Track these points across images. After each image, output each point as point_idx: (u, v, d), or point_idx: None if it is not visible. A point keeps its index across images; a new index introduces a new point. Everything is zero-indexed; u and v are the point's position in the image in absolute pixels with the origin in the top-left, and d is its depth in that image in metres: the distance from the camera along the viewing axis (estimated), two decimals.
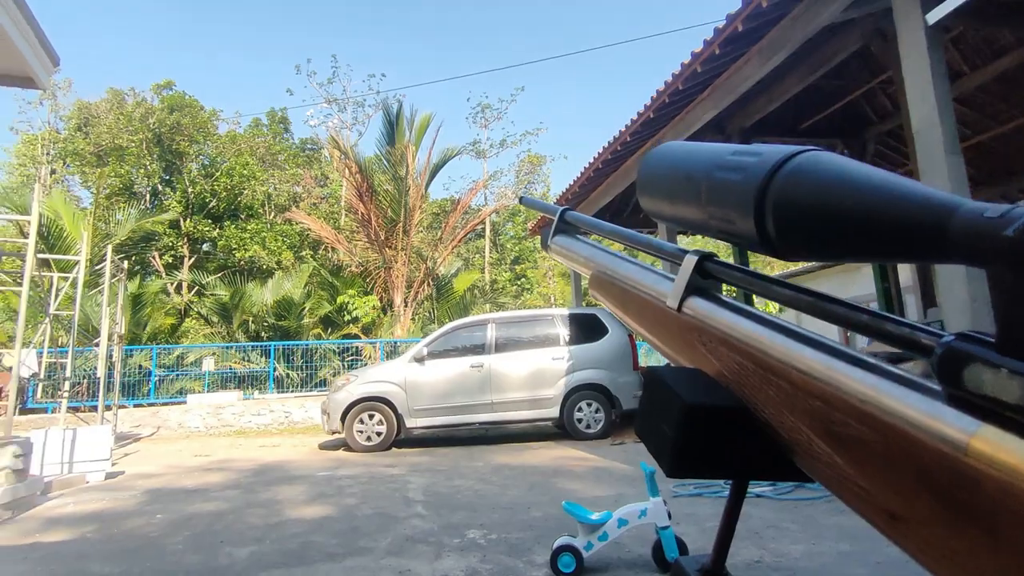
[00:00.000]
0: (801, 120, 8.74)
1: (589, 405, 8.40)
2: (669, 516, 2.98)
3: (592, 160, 8.71)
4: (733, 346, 0.47)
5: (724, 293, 0.56)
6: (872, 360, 0.38)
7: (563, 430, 8.56)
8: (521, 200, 1.06)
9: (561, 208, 0.84)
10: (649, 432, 0.49)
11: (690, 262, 0.55)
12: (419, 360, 8.49)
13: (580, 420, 8.39)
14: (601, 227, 0.74)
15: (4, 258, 9.03)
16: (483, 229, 30.09)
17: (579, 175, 9.33)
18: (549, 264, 31.51)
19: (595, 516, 3.09)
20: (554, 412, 8.40)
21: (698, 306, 0.54)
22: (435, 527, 4.05)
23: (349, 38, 50.57)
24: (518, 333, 8.78)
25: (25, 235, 12.93)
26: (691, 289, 0.55)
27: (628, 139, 7.79)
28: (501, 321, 8.95)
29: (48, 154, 25.10)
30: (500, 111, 33.89)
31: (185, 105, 25.97)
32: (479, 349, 8.64)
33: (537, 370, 8.48)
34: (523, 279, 29.78)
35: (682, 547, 2.98)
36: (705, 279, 0.54)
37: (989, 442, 0.29)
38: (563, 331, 8.66)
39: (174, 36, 49.40)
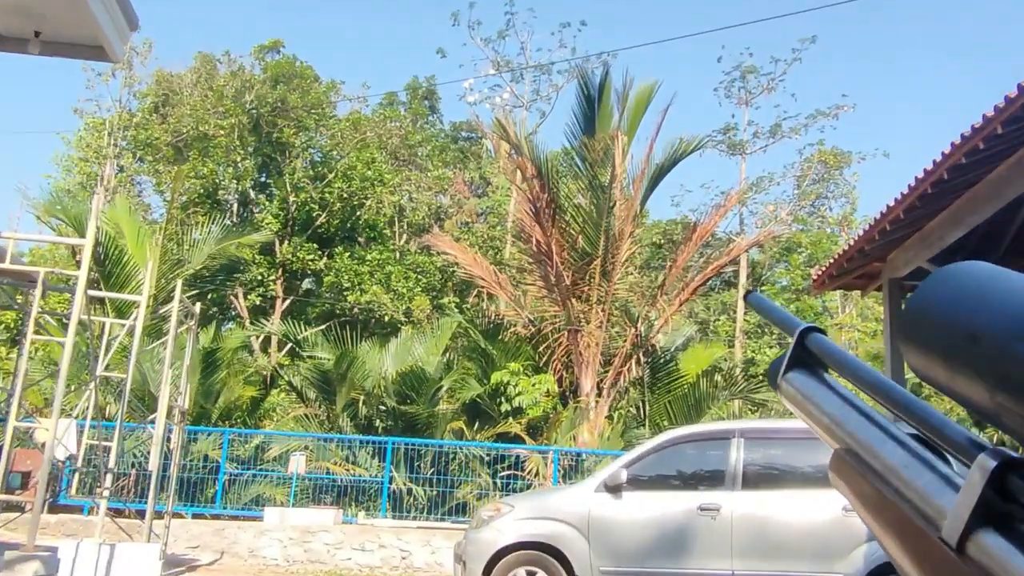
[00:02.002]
0: None
1: None
2: None
3: (933, 165, 8.28)
4: None
5: None
6: None
7: None
8: (746, 297, 1.07)
9: (801, 326, 0.84)
10: None
11: (983, 469, 0.53)
12: (613, 489, 8.50)
13: None
14: (860, 372, 0.73)
15: (50, 292, 10.73)
16: (734, 273, 29.67)
17: (906, 190, 8.90)
18: (849, 339, 30.02)
19: None
20: None
21: (990, 548, 0.51)
22: None
23: None
24: (784, 458, 8.46)
25: (78, 259, 15.20)
26: (981, 517, 0.52)
27: (1000, 130, 7.31)
28: (756, 435, 8.69)
29: (116, 145, 29.59)
30: (773, 77, 33.62)
31: (294, 75, 29.19)
32: (715, 480, 8.46)
33: (817, 526, 8.08)
34: None
35: None
36: (1008, 503, 0.52)
37: None
38: None
39: None
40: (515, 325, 19.68)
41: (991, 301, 0.51)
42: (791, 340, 0.86)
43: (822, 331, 0.84)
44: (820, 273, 12.46)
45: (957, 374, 0.52)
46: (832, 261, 11.75)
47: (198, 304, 13.83)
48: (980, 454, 0.54)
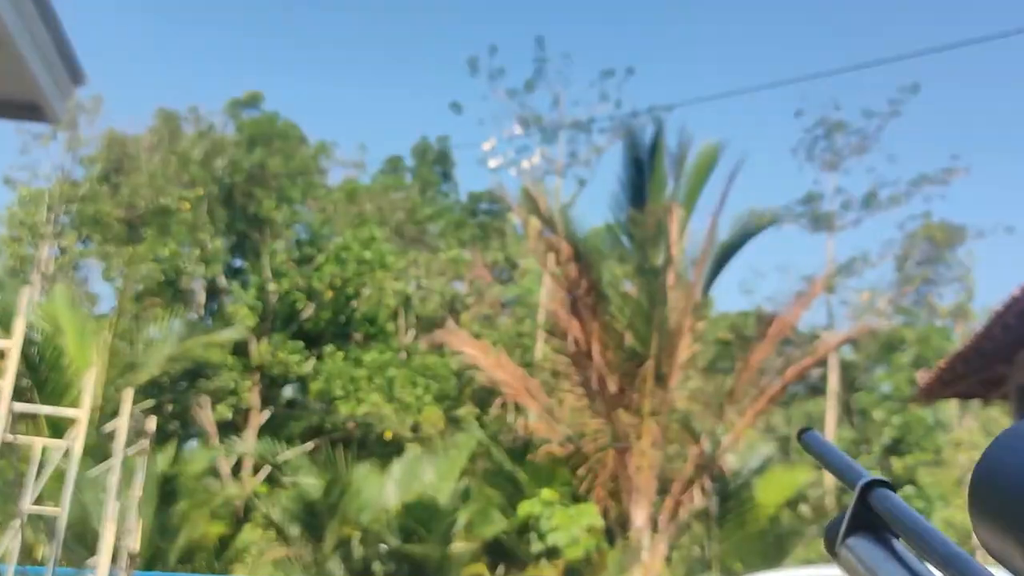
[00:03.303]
0: None
1: None
2: None
3: None
4: None
5: None
6: None
7: None
8: (800, 437, 1.08)
9: (865, 479, 0.85)
10: None
11: None
12: None
13: None
14: (932, 543, 0.73)
15: None
16: (822, 377, 29.41)
17: None
18: (970, 459, 29.45)
19: None
20: None
21: None
22: None
23: (564, 21, 54.85)
24: None
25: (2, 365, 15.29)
26: None
27: None
28: None
29: (56, 222, 30.07)
30: (866, 135, 33.83)
31: (276, 135, 29.70)
32: None
33: None
34: (913, 487, 28.15)
35: None
36: None
37: None
38: None
39: (276, 37, 57.52)
40: (548, 442, 19.53)
41: None
42: (852, 495, 0.85)
43: (890, 486, 0.84)
44: (930, 378, 12.35)
45: None
46: (945, 363, 11.65)
47: (154, 418, 13.82)
48: None
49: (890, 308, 32.45)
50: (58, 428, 15.12)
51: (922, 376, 13.17)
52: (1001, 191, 51.15)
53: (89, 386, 10.25)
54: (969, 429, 30.61)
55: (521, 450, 20.15)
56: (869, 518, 0.83)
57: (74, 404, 14.27)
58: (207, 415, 26.06)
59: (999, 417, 28.04)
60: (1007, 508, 0.57)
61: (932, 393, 12.80)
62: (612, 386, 17.85)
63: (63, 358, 18.27)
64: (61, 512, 10.04)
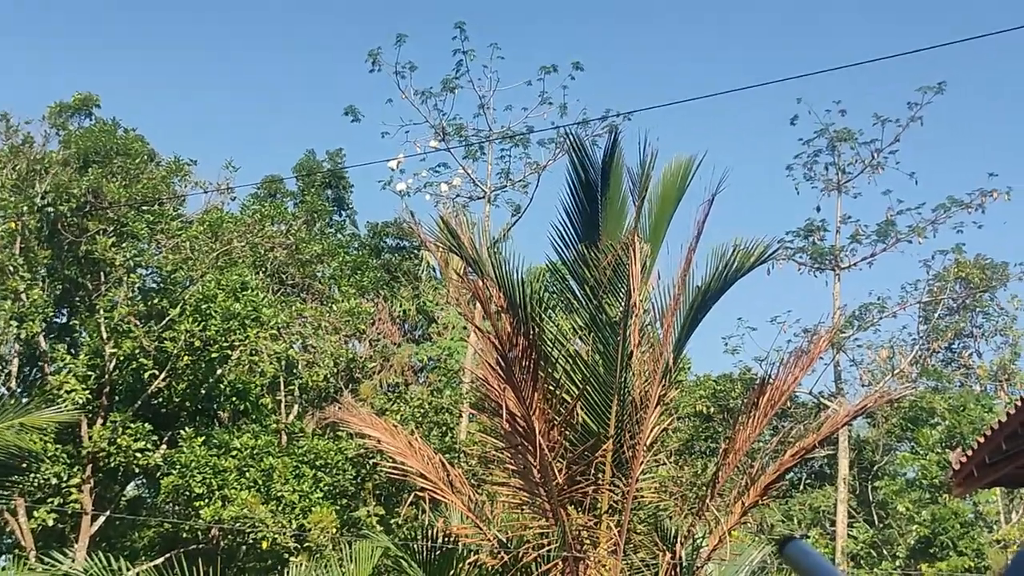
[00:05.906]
0: None
1: None
2: None
3: None
4: None
5: None
6: None
7: None
8: (782, 549, 1.12)
9: None
10: None
11: None
12: None
13: None
14: None
15: None
16: (830, 460, 29.68)
17: None
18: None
19: None
20: None
21: None
22: None
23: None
24: None
25: None
26: None
27: None
28: None
29: None
30: (879, 148, 34.29)
31: (116, 150, 29.44)
32: None
33: None
34: None
35: None
36: None
37: None
38: None
39: (113, 26, 57.39)
40: (478, 551, 19.50)
41: None
42: None
43: None
44: (967, 460, 12.49)
45: None
46: (984, 439, 11.82)
47: None
48: None
49: (914, 370, 32.90)
50: None
51: (957, 458, 13.34)
52: None
53: None
54: (1020, 525, 30.94)
55: (440, 561, 20.09)
56: None
57: None
58: (21, 522, 25.67)
59: None
60: None
61: (970, 479, 12.96)
62: (558, 475, 17.85)
63: None
64: None
